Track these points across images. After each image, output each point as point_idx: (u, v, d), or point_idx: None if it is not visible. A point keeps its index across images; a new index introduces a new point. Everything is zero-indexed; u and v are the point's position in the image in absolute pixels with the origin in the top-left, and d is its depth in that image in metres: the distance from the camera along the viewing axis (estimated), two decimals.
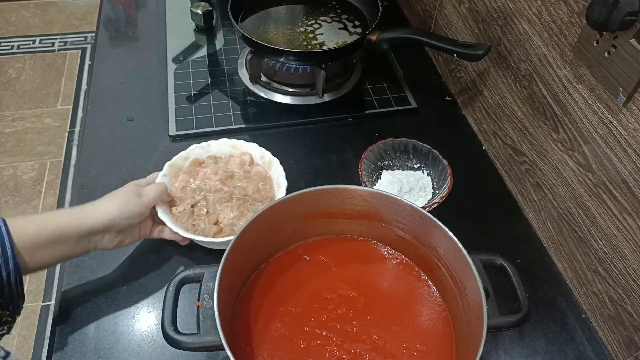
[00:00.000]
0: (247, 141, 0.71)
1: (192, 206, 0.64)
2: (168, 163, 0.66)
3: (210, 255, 0.66)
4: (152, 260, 0.65)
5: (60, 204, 1.66)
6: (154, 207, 0.61)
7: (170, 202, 0.64)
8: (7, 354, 0.45)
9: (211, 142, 0.70)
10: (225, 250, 0.49)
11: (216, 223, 0.63)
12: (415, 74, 0.95)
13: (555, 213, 0.67)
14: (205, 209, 0.64)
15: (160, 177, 0.65)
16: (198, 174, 0.67)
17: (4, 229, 0.48)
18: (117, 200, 0.57)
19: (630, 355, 0.58)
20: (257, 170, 0.68)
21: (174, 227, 0.60)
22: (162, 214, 0.61)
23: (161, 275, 0.64)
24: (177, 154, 0.68)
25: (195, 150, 0.69)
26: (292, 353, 0.52)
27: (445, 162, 0.71)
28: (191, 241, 0.65)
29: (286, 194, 0.61)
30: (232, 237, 0.52)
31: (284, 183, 0.65)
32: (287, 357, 0.52)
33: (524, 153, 0.72)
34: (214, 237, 0.61)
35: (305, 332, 0.54)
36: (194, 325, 0.48)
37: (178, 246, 0.66)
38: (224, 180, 0.66)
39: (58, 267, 0.66)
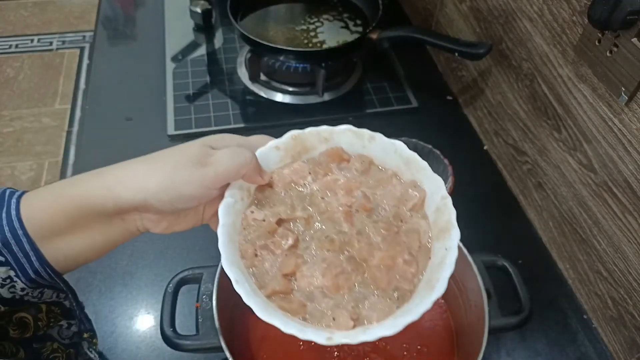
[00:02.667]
0: None
1: (280, 222, 0.38)
2: (293, 133, 0.40)
3: (209, 255, 0.65)
4: (150, 260, 0.65)
5: None
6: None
7: (259, 190, 0.39)
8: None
9: (378, 135, 0.41)
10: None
11: (287, 276, 0.36)
12: (416, 73, 0.94)
13: (557, 213, 0.66)
14: (291, 240, 0.37)
15: (269, 147, 0.40)
16: (325, 176, 0.40)
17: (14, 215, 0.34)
18: (160, 168, 0.35)
19: (632, 356, 0.57)
20: (417, 225, 0.38)
21: (223, 241, 0.35)
22: (225, 205, 0.36)
23: (160, 276, 0.63)
24: None
25: (347, 136, 0.41)
26: (291, 354, 0.52)
27: (446, 161, 0.70)
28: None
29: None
30: (296, 323, 0.33)
31: (450, 267, 0.34)
32: (286, 359, 0.52)
33: (526, 153, 0.72)
34: (268, 297, 0.35)
35: None
36: (192, 327, 0.47)
37: (177, 246, 0.66)
38: (355, 211, 0.38)
39: None
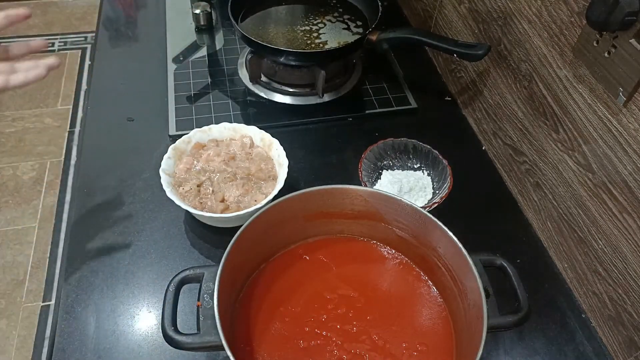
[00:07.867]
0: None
1: (198, 186, 0.66)
2: (172, 146, 0.69)
3: (210, 255, 0.66)
4: (152, 260, 0.65)
5: (60, 204, 1.66)
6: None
7: (176, 182, 0.67)
8: None
9: (212, 126, 0.71)
10: (231, 226, 0.61)
11: (222, 201, 0.65)
12: (415, 74, 0.95)
13: (555, 213, 0.67)
14: (210, 188, 0.66)
15: (165, 159, 0.67)
16: (201, 156, 0.69)
17: None
18: None
19: (630, 355, 0.58)
20: (258, 151, 0.71)
21: (182, 205, 0.62)
22: (170, 193, 0.63)
23: (161, 275, 0.64)
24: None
25: (197, 134, 0.71)
26: (292, 353, 0.52)
27: (445, 162, 0.71)
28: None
29: (291, 192, 0.58)
30: (239, 213, 0.62)
31: (285, 162, 0.67)
32: (287, 357, 0.52)
33: (524, 153, 0.72)
34: (221, 213, 0.63)
35: (305, 332, 0.54)
36: (194, 326, 0.48)
37: (178, 245, 0.66)
38: (227, 161, 0.69)
39: (58, 268, 0.66)
